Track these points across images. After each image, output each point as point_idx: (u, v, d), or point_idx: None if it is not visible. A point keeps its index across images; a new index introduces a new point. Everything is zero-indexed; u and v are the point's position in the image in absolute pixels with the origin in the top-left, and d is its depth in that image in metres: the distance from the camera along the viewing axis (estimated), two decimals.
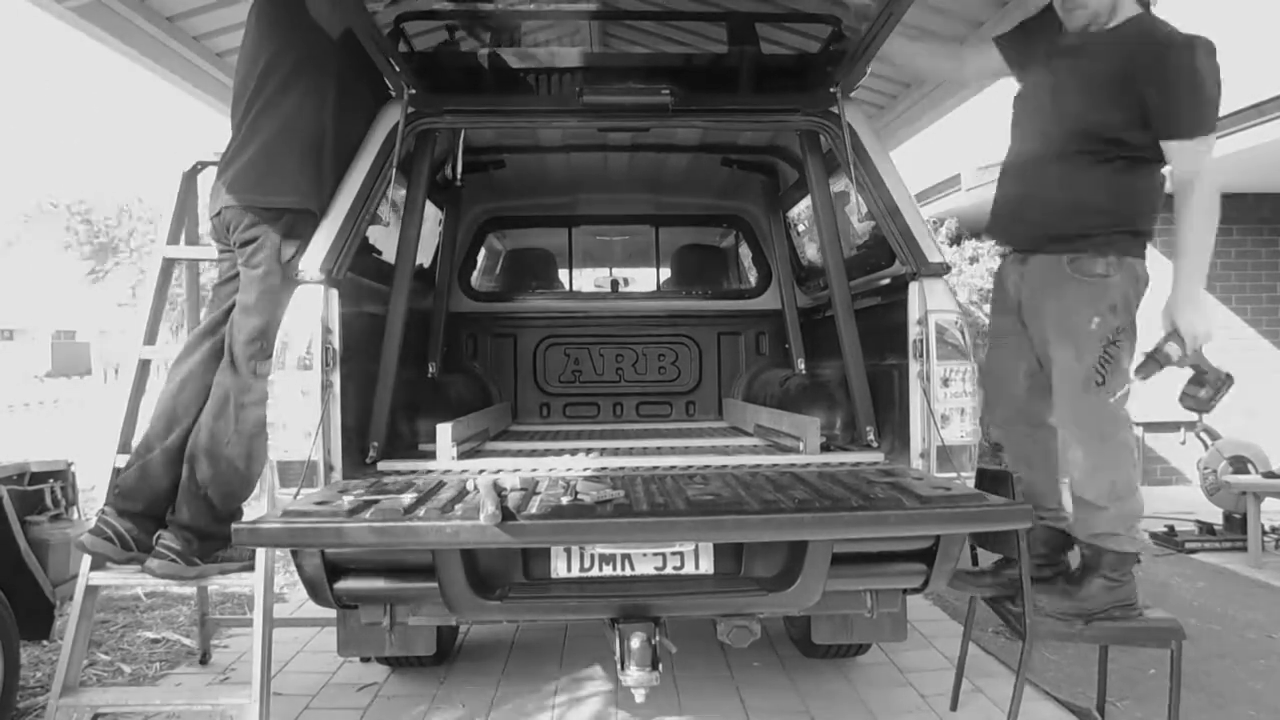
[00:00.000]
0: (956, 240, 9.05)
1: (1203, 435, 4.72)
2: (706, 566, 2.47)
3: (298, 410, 2.49)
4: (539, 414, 4.51)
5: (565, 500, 2.20)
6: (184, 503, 2.76)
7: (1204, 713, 3.24)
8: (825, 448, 3.02)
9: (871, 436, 2.90)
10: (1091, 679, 3.13)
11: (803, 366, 4.09)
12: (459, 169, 3.69)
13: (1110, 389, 2.58)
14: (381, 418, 2.83)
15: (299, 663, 3.78)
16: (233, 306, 2.84)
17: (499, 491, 2.21)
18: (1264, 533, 5.33)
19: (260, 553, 2.81)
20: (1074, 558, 2.88)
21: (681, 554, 2.45)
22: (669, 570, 2.46)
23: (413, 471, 2.75)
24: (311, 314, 2.53)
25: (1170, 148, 2.56)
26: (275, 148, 2.76)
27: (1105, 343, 2.60)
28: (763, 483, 2.48)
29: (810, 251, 4.19)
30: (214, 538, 2.79)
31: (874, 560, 2.52)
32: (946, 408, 2.62)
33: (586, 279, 8.17)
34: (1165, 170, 2.69)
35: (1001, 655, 3.77)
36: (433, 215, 4.09)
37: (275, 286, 2.73)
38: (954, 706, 3.19)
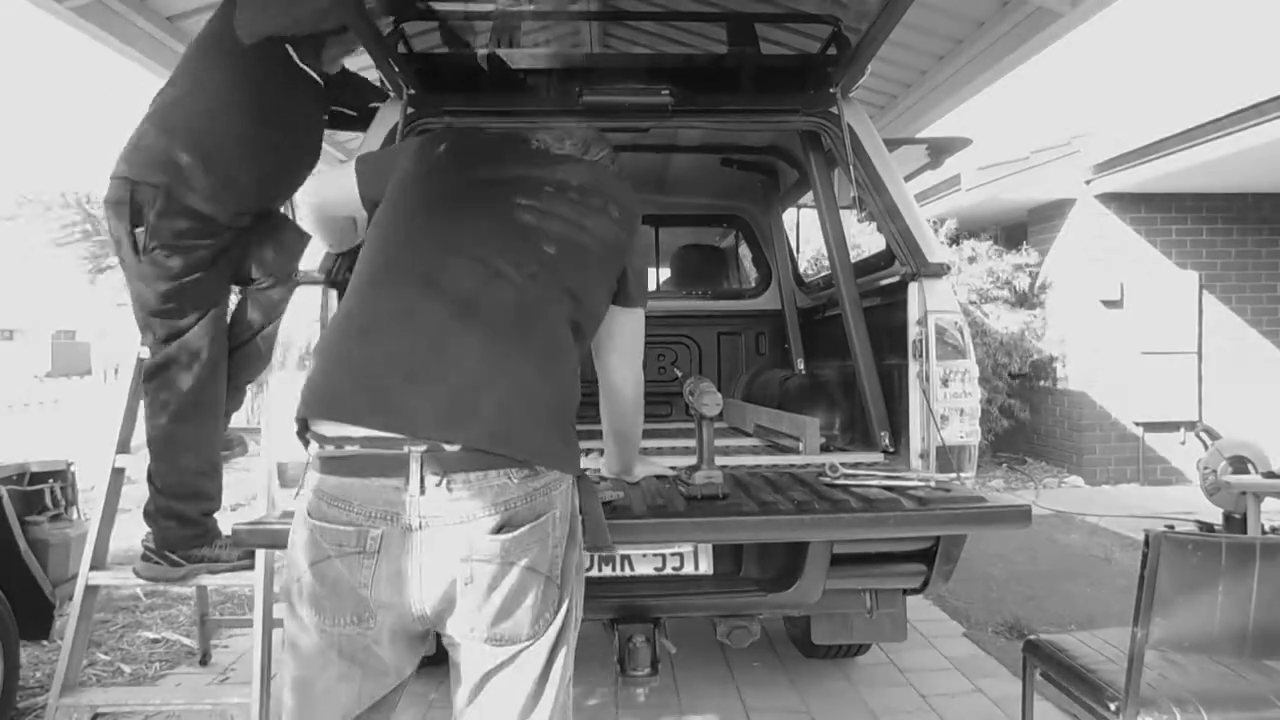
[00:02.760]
0: (955, 240, 9.06)
1: (1203, 435, 4.71)
2: (706, 567, 2.47)
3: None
4: None
5: None
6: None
7: None
8: (825, 448, 3.02)
9: (887, 441, 2.85)
10: None
11: (802, 366, 4.08)
12: None
13: None
14: None
15: None
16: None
17: None
18: (1264, 532, 5.32)
19: (260, 553, 2.80)
20: None
21: (681, 554, 2.46)
22: (668, 571, 2.46)
23: None
24: (311, 314, 2.53)
25: None
26: (145, 125, 2.67)
27: None
28: (762, 483, 2.48)
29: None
30: (164, 520, 2.77)
31: (874, 560, 2.52)
32: (946, 408, 2.62)
33: None
34: None
35: (1001, 655, 3.77)
36: None
37: (136, 272, 2.65)
38: None
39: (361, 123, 3.05)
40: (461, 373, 1.44)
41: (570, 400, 1.54)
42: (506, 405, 1.44)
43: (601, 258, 1.68)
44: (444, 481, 1.39)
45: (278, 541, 1.95)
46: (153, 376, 2.72)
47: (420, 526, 1.39)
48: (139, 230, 2.61)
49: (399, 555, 1.40)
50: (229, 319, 2.89)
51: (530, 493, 1.44)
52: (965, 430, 2.63)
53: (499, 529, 1.41)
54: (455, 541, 1.39)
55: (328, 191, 1.99)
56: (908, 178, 4.04)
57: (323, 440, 1.47)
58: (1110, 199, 8.31)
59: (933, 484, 2.35)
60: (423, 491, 1.38)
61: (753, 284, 4.78)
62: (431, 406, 1.40)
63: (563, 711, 1.53)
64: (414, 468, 1.38)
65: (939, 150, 3.72)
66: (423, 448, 1.38)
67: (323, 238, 2.20)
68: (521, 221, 1.61)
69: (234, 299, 2.96)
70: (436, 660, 3.67)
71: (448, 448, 1.39)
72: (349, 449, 1.43)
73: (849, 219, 3.67)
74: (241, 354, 2.90)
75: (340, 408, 1.45)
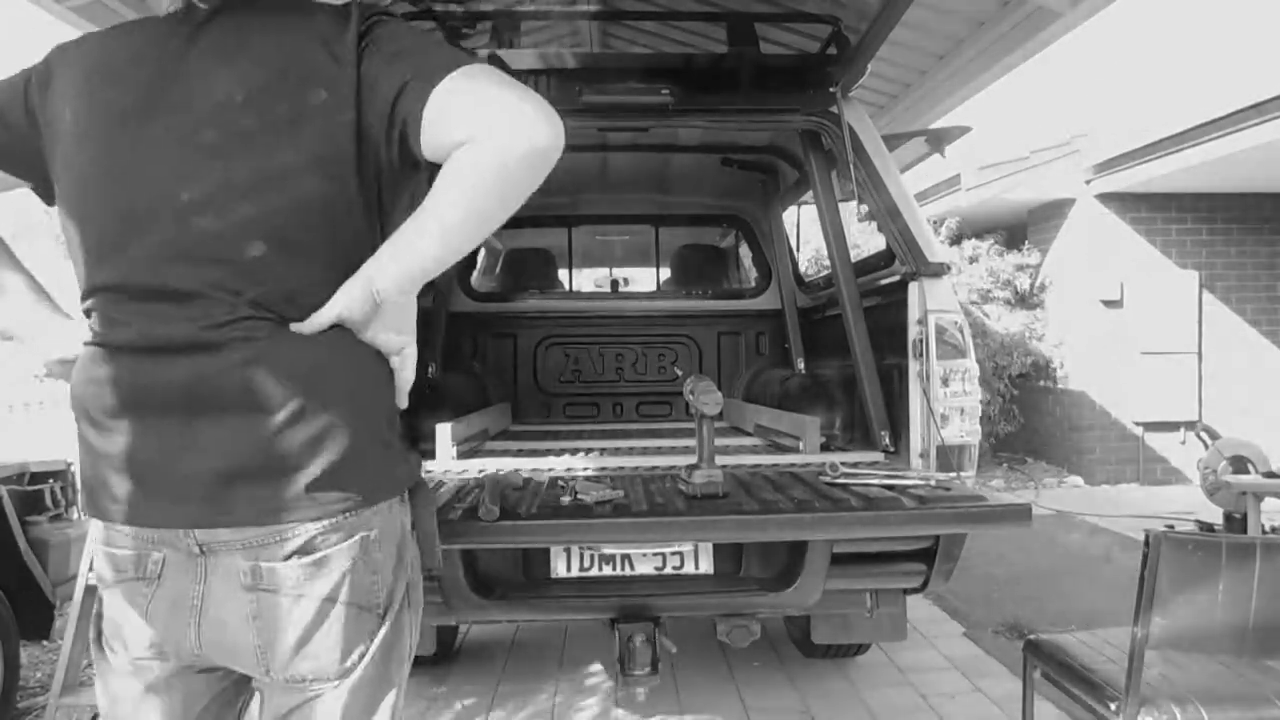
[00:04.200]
0: (957, 240, 9.06)
1: (1203, 435, 4.71)
2: (706, 566, 2.47)
3: None
4: (539, 414, 4.51)
5: (565, 500, 2.21)
6: None
7: None
8: (825, 447, 3.02)
9: (887, 440, 2.84)
10: None
11: (802, 366, 4.09)
12: None
13: None
14: None
15: None
16: None
17: (500, 490, 2.21)
18: (1264, 532, 5.32)
19: None
20: None
21: (681, 554, 2.46)
22: (669, 570, 2.46)
23: None
24: None
25: None
26: None
27: None
28: (762, 482, 2.48)
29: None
30: None
31: (874, 560, 2.51)
32: (946, 407, 2.62)
33: (586, 279, 8.18)
34: None
35: (1001, 655, 3.77)
36: None
37: None
38: None
39: None
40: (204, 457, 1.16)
41: (371, 398, 1.25)
42: (272, 467, 1.15)
43: (337, 172, 1.18)
44: None
45: None
46: None
47: (203, 552, 1.18)
48: None
49: (180, 583, 1.20)
50: None
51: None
52: (965, 430, 2.63)
53: (291, 555, 1.17)
54: (240, 568, 1.17)
55: None
56: (911, 165, 4.04)
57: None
58: (1110, 199, 8.31)
59: (933, 483, 2.35)
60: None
61: (753, 284, 4.78)
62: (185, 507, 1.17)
63: None
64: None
65: (938, 140, 3.72)
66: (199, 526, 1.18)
67: None
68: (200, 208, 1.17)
69: None
70: (436, 660, 3.69)
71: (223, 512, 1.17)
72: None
73: (849, 220, 3.68)
74: None
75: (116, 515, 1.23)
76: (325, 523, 1.17)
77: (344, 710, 1.22)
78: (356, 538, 1.20)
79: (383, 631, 1.24)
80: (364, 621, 1.22)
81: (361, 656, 1.22)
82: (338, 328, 1.21)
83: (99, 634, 1.32)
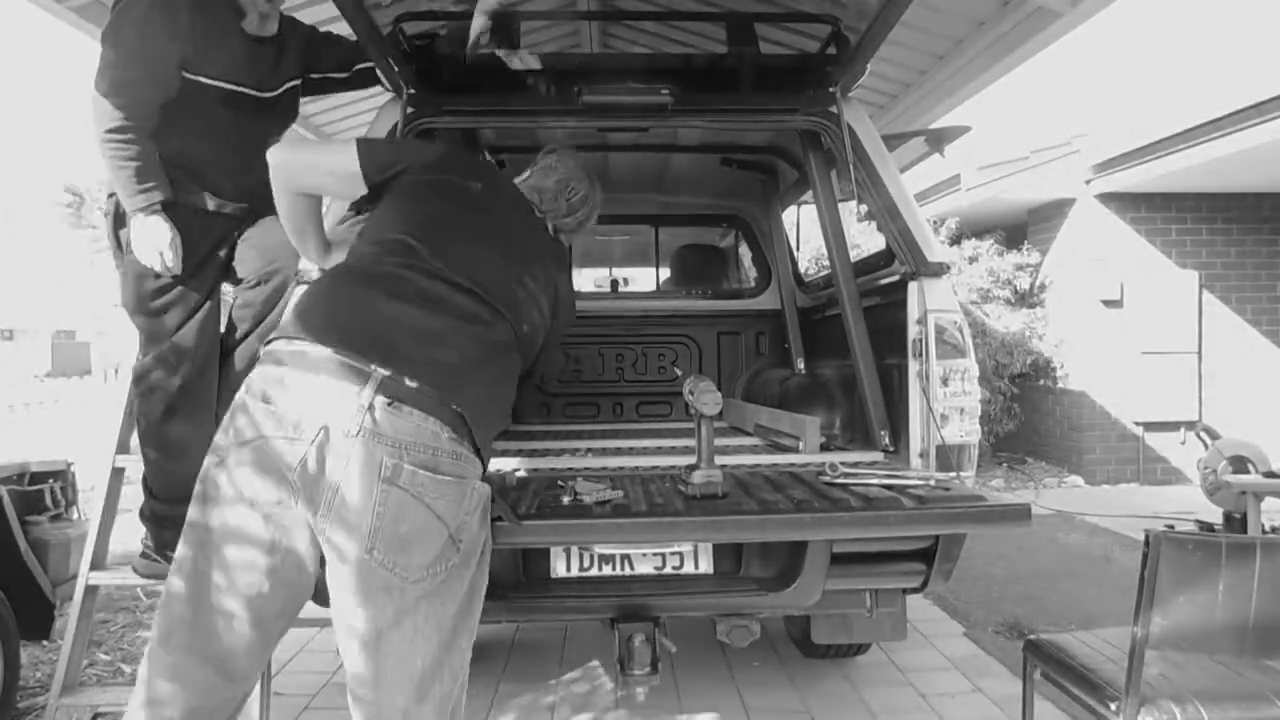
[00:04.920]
0: (957, 240, 9.05)
1: (1203, 435, 4.72)
2: (706, 566, 2.47)
3: None
4: (539, 414, 4.51)
5: (565, 500, 2.21)
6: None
7: None
8: (825, 447, 3.02)
9: (886, 440, 2.84)
10: None
11: (802, 366, 4.09)
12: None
13: None
14: None
15: (299, 663, 3.78)
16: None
17: (500, 490, 2.21)
18: (1264, 532, 5.32)
19: None
20: None
21: (681, 554, 2.46)
22: (668, 570, 2.46)
23: None
24: None
25: None
26: None
27: None
28: (761, 482, 2.48)
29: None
30: (159, 522, 2.78)
31: (873, 560, 2.51)
32: (946, 407, 2.62)
33: (586, 279, 8.19)
34: None
35: (1001, 655, 3.77)
36: None
37: (123, 275, 2.66)
38: None
39: (349, 84, 3.03)
40: (443, 344, 1.65)
41: (506, 416, 1.81)
42: (472, 383, 1.65)
43: (540, 327, 1.97)
44: (392, 404, 1.53)
45: None
46: (140, 379, 2.71)
47: (357, 434, 1.51)
48: (123, 231, 2.62)
49: (331, 453, 1.51)
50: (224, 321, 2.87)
51: (457, 454, 1.58)
52: (965, 429, 2.63)
53: (422, 466, 1.53)
54: (383, 461, 1.51)
55: (323, 158, 2.11)
56: (911, 165, 4.04)
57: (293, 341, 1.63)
58: (1110, 199, 8.31)
59: (932, 483, 2.35)
60: (370, 406, 1.52)
61: (752, 284, 4.79)
62: (408, 348, 1.60)
63: (452, 673, 1.68)
64: (370, 383, 1.53)
65: (938, 140, 3.72)
66: (386, 371, 1.54)
67: (284, 209, 2.12)
68: (509, 271, 1.88)
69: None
70: None
71: (408, 382, 1.55)
72: (318, 350, 1.58)
73: (849, 220, 3.69)
74: (236, 355, 2.86)
75: (328, 333, 1.59)
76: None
77: (425, 609, 1.59)
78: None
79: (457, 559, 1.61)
80: (448, 548, 1.58)
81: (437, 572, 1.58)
82: None
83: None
